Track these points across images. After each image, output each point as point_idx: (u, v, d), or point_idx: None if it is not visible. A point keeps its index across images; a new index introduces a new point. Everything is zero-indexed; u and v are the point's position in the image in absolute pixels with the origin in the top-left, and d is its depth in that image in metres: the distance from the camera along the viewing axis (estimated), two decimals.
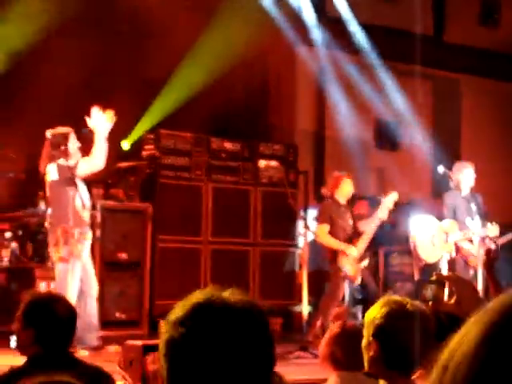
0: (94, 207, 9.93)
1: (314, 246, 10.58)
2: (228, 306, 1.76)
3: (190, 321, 1.74)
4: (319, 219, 9.48)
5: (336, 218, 9.39)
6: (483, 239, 9.44)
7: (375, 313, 3.16)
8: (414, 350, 3.00)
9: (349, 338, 3.78)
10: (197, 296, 1.82)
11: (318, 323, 9.08)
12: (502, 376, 0.97)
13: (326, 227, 9.35)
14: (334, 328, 3.95)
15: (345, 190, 9.51)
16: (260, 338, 1.75)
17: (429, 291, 10.46)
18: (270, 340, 1.77)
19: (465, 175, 9.72)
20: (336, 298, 9.25)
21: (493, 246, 9.57)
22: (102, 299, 9.78)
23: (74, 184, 8.08)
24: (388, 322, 3.11)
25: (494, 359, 0.98)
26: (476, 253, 9.34)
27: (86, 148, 8.30)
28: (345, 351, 3.78)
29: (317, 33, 12.89)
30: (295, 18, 12.68)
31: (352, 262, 9.33)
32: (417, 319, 3.07)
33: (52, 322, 3.91)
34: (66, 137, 8.15)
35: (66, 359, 3.93)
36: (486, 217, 9.61)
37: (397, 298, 3.30)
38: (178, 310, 1.79)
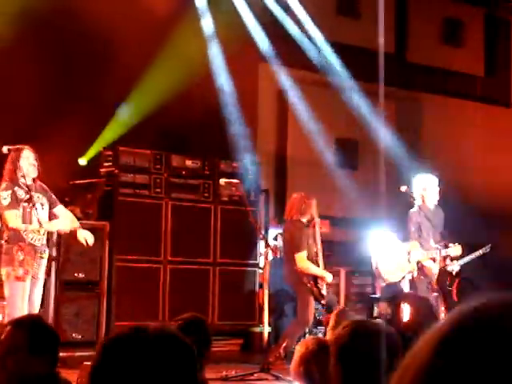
0: None
1: (275, 265, 10.44)
2: (143, 337, 1.84)
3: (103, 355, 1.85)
4: (301, 246, 9.17)
5: (309, 242, 9.22)
6: (444, 259, 9.36)
7: (338, 334, 3.05)
8: (379, 372, 2.85)
9: (324, 355, 3.64)
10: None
11: (284, 345, 8.90)
12: None
13: (306, 253, 9.14)
14: (308, 345, 3.82)
15: (312, 212, 9.31)
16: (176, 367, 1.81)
17: (376, 309, 10.36)
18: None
19: (429, 188, 9.59)
20: (307, 322, 9.07)
21: (456, 268, 9.51)
22: (57, 320, 9.59)
23: (27, 202, 7.76)
24: (352, 340, 2.97)
25: (447, 370, 0.98)
26: (437, 273, 9.27)
27: None
28: (319, 368, 3.64)
29: (278, 50, 12.80)
30: (257, 35, 12.59)
31: (326, 286, 9.25)
32: (382, 338, 2.93)
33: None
34: (19, 153, 7.81)
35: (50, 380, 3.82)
36: (446, 238, 9.51)
37: (360, 318, 3.20)
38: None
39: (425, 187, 9.57)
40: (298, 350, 3.88)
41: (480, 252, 9.86)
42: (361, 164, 14.28)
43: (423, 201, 9.57)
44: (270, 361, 8.65)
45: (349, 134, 13.89)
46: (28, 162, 7.79)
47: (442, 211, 9.68)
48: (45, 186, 8.01)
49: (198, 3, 12.15)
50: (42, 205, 7.91)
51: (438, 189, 9.62)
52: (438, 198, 9.63)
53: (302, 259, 9.10)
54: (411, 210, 9.63)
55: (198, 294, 10.77)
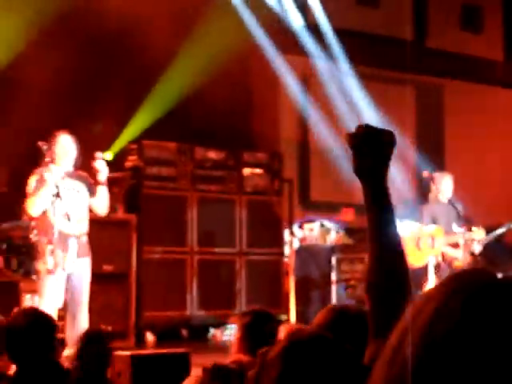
0: None
1: (300, 253, 10.55)
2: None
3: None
4: None
5: None
6: (468, 242, 9.42)
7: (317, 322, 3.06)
8: None
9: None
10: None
11: None
12: (467, 341, 0.95)
13: None
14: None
15: None
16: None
17: None
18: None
19: (443, 185, 9.74)
20: None
21: (478, 248, 9.57)
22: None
23: (55, 194, 7.46)
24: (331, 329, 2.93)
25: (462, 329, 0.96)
26: (461, 257, 9.33)
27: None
28: None
29: (299, 40, 12.85)
30: (278, 26, 12.64)
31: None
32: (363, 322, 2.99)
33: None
34: (53, 140, 7.55)
35: (52, 369, 3.85)
36: (468, 222, 9.61)
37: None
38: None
39: (440, 184, 9.76)
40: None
41: (501, 230, 9.94)
42: None
43: (437, 196, 9.73)
44: None
45: (371, 122, 13.87)
46: (63, 149, 7.57)
47: (458, 204, 9.78)
48: (84, 174, 7.78)
49: None
50: (78, 192, 7.70)
51: (452, 187, 9.79)
52: (450, 195, 9.77)
53: None
54: (424, 205, 9.86)
55: (225, 284, 10.91)
